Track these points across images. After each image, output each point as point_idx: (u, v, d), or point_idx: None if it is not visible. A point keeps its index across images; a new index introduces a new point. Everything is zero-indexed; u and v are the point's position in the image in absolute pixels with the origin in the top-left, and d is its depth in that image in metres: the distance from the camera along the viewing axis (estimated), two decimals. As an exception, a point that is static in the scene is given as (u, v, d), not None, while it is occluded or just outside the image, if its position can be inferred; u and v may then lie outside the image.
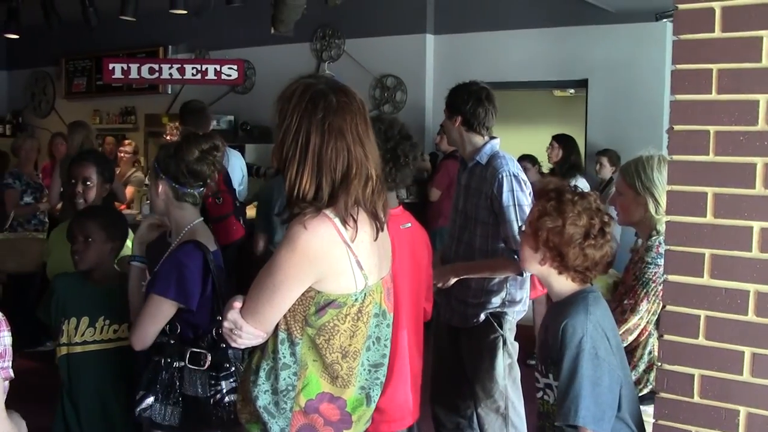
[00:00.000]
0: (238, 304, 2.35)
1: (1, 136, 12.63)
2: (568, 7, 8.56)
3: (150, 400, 3.11)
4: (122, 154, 9.38)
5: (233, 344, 2.40)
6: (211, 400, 3.08)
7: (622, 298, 3.25)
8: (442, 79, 9.23)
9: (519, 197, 3.96)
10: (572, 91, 10.90)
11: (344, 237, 2.27)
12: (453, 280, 4.03)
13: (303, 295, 2.29)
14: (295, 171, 2.29)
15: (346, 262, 2.28)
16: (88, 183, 4.27)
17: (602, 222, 2.63)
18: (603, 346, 2.53)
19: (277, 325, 2.34)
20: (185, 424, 3.09)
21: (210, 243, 3.20)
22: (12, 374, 2.25)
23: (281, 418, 2.35)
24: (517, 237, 3.89)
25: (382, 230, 2.40)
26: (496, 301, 4.13)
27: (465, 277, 4.11)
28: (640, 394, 3.14)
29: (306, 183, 2.27)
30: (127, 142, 9.69)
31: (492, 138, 4.21)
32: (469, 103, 4.15)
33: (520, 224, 3.88)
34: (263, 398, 2.36)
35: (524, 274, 4.05)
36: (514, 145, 8.05)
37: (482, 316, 4.14)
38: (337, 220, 2.26)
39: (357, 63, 9.86)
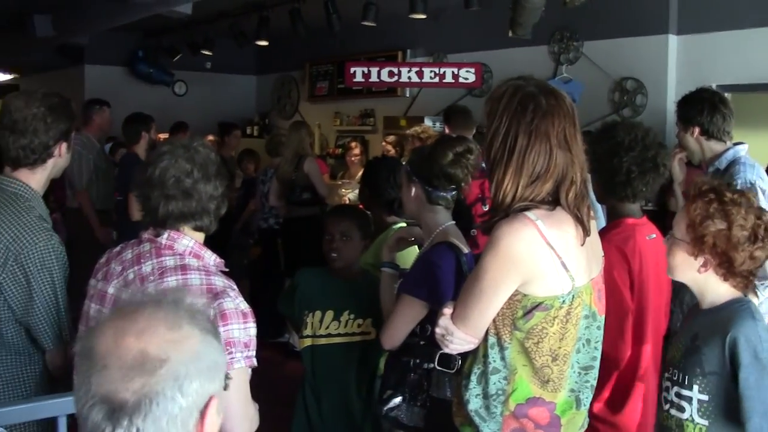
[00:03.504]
0: (448, 311, 2.38)
1: (249, 136, 13.34)
2: (831, 0, 7.91)
3: (398, 400, 3.14)
4: (352, 158, 9.68)
5: (446, 350, 2.43)
6: None
7: None
8: (685, 81, 8.80)
9: None
10: (831, 92, 10.12)
11: (546, 238, 2.24)
12: None
13: (510, 298, 2.29)
14: (502, 173, 2.31)
15: (550, 264, 2.25)
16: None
17: (767, 221, 2.42)
18: None
19: (488, 329, 2.35)
20: (430, 426, 3.09)
21: (462, 245, 3.18)
22: (255, 363, 2.35)
23: (492, 421, 2.37)
24: None
25: (588, 235, 2.34)
26: None
27: None
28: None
29: (507, 185, 2.29)
30: (353, 145, 9.97)
31: (737, 144, 4.03)
32: (705, 111, 4.00)
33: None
34: (474, 402, 2.39)
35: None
36: (762, 152, 7.56)
37: None
38: (539, 222, 2.24)
39: (595, 65, 9.62)
